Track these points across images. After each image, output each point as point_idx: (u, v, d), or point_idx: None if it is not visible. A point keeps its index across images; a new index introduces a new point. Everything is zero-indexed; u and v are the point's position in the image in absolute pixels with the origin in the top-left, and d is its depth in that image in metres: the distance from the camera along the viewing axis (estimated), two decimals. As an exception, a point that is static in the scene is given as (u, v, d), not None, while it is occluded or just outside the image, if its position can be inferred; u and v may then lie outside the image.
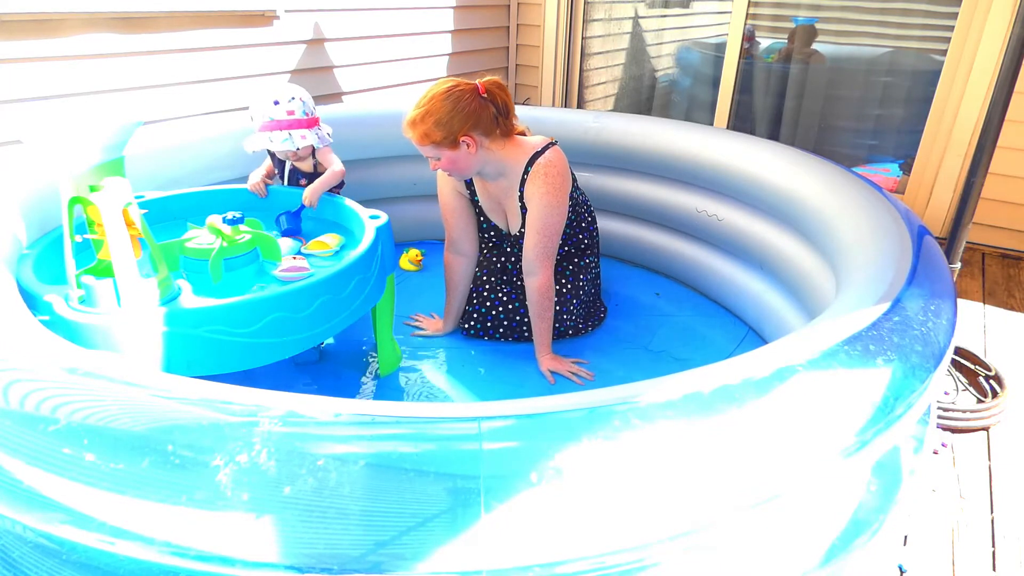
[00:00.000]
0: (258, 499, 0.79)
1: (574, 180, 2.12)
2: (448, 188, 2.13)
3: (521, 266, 2.09)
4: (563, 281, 2.14)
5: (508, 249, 2.20)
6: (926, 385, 1.11)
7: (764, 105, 4.05)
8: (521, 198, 2.00)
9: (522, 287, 2.13)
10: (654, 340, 2.27)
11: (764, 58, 4.02)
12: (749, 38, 3.89)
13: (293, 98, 1.88)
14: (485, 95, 1.86)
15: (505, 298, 2.17)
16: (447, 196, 2.14)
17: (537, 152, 1.95)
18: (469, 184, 2.12)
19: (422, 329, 2.25)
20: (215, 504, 0.79)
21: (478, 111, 1.84)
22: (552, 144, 1.99)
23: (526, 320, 2.14)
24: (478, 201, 2.14)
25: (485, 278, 2.18)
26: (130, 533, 0.80)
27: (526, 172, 1.95)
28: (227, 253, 1.55)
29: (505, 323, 2.17)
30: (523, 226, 2.06)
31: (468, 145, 1.85)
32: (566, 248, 2.17)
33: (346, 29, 3.39)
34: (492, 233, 2.20)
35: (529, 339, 2.14)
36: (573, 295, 2.16)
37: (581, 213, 2.18)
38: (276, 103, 1.86)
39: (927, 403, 1.19)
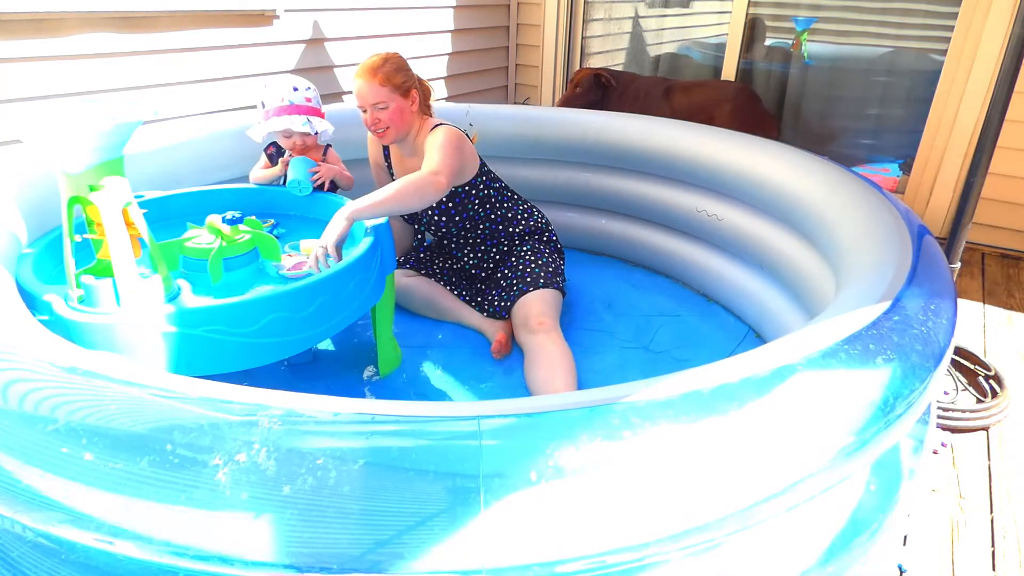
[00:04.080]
0: (257, 498, 0.79)
1: (488, 172, 2.24)
2: (373, 163, 2.33)
3: (427, 241, 2.37)
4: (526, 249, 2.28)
5: (415, 227, 2.38)
6: (926, 385, 1.11)
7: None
8: None
9: (427, 262, 2.35)
10: (654, 340, 2.27)
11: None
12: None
13: (310, 87, 1.99)
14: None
15: (411, 270, 2.34)
16: (375, 170, 2.34)
17: (436, 125, 2.10)
18: (387, 157, 2.27)
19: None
20: (214, 503, 0.79)
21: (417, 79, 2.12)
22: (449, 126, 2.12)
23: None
24: (392, 173, 2.29)
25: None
26: (129, 532, 0.80)
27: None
28: (226, 253, 1.55)
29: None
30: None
31: (413, 101, 2.05)
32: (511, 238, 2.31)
33: (346, 29, 3.39)
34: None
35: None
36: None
37: (497, 201, 2.26)
38: (295, 88, 1.94)
39: (927, 403, 1.19)
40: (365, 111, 2.01)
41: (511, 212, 2.29)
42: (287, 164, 2.00)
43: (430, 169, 1.88)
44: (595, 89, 3.40)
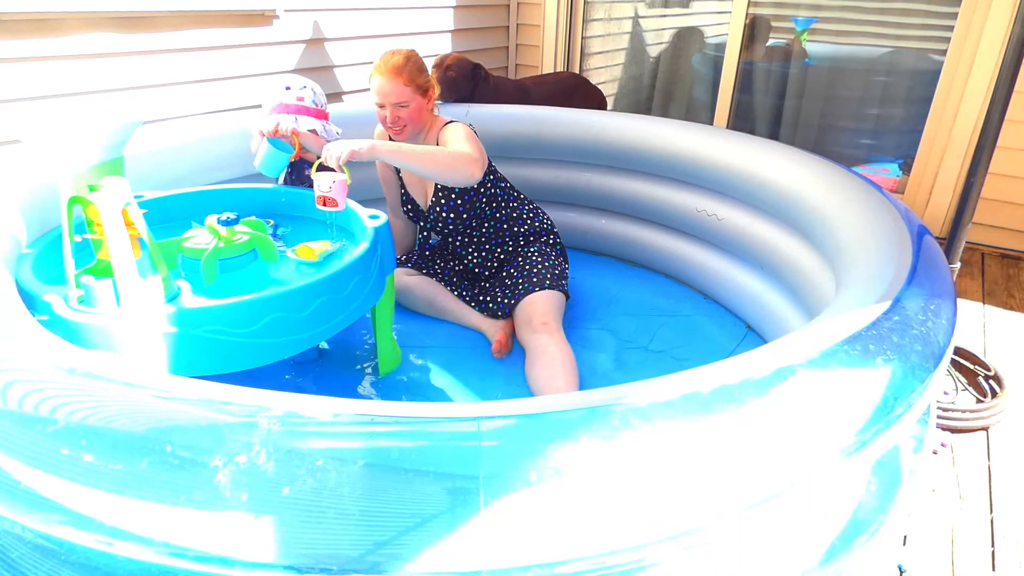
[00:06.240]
0: (257, 499, 0.79)
1: (495, 171, 2.27)
2: (379, 162, 2.30)
3: (431, 241, 2.39)
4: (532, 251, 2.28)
5: (420, 224, 2.36)
6: (926, 385, 1.11)
7: (764, 105, 4.05)
8: None
9: (429, 261, 2.36)
10: (654, 340, 2.27)
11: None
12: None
13: (304, 87, 2.00)
14: None
15: (413, 269, 2.35)
16: (382, 169, 2.34)
17: (447, 122, 2.14)
18: None
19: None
20: (214, 504, 0.79)
21: None
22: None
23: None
24: (399, 171, 2.28)
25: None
26: (129, 534, 0.80)
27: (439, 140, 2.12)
28: (223, 254, 1.55)
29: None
30: (434, 198, 2.18)
31: (430, 100, 2.09)
32: (515, 242, 2.31)
33: (346, 29, 3.39)
34: (409, 207, 2.31)
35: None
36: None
37: (504, 200, 2.27)
38: (288, 88, 1.98)
39: (927, 403, 1.19)
40: (383, 107, 2.03)
41: (516, 212, 2.30)
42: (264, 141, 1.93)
43: (468, 153, 1.92)
44: (469, 78, 3.15)
